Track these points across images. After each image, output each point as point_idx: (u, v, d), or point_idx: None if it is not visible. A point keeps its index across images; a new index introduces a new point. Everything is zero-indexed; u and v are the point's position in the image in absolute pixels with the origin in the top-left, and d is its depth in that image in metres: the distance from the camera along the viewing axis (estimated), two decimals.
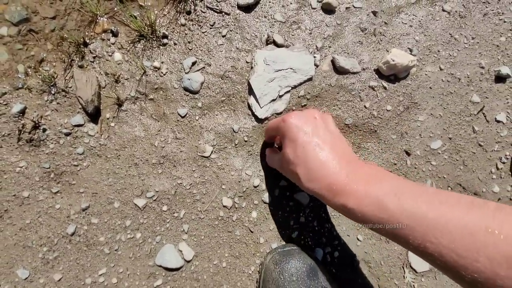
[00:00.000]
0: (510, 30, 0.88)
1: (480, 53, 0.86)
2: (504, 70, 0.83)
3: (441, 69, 0.84)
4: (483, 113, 0.82)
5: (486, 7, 0.89)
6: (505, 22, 0.88)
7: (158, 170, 0.74)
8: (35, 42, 0.82)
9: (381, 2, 0.88)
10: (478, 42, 0.87)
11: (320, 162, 0.39)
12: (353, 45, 0.85)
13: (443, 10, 0.89)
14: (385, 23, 0.87)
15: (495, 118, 0.82)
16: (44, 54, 0.81)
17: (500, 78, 0.84)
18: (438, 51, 0.86)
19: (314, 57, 0.83)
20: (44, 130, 0.74)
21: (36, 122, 0.74)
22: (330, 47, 0.84)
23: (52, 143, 0.74)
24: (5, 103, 0.76)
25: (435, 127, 0.81)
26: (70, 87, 0.77)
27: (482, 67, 0.85)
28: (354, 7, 0.87)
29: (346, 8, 0.87)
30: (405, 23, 0.87)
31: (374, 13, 0.87)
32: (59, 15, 0.84)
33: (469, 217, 0.26)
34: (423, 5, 0.89)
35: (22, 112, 0.75)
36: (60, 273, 0.69)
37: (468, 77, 0.84)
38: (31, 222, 0.71)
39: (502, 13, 0.89)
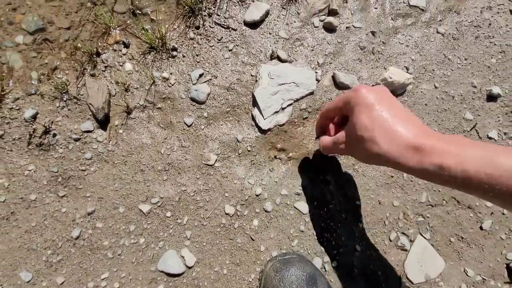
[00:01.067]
0: (500, 52, 0.93)
1: (472, 73, 0.91)
2: (495, 89, 0.87)
3: (436, 87, 0.89)
4: (476, 130, 0.86)
5: (478, 31, 0.95)
6: (495, 45, 0.94)
7: (163, 176, 0.76)
8: (49, 50, 0.86)
9: (379, 23, 0.93)
10: (470, 63, 0.92)
11: (403, 120, 0.38)
12: (352, 62, 0.89)
13: (438, 32, 0.94)
14: (383, 42, 0.92)
15: (487, 135, 0.86)
16: (57, 62, 0.84)
17: (491, 97, 0.89)
18: (433, 70, 0.90)
19: (316, 72, 0.87)
20: (54, 135, 0.77)
21: (47, 127, 0.77)
22: (331, 63, 0.89)
23: (61, 148, 0.76)
24: (17, 108, 0.78)
25: None
26: (82, 95, 0.80)
27: (475, 86, 0.89)
28: (354, 27, 0.92)
29: (347, 27, 0.92)
30: (402, 43, 0.92)
31: (373, 33, 0.92)
32: (74, 26, 0.88)
33: None
34: (419, 27, 0.94)
35: (34, 117, 0.77)
36: (63, 276, 0.69)
37: (461, 95, 0.89)
38: (36, 225, 0.72)
39: (493, 37, 0.94)
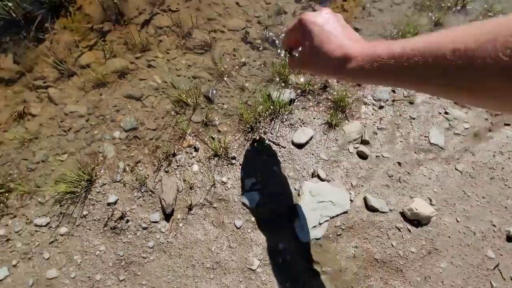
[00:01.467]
0: None
1: (491, 211, 1.02)
2: None
3: (457, 221, 0.99)
4: (499, 270, 0.92)
5: (492, 172, 1.10)
6: (509, 187, 1.07)
7: (210, 275, 0.86)
8: (136, 146, 1.08)
9: (404, 154, 1.11)
10: (488, 202, 1.04)
11: (336, 32, 0.46)
12: (381, 187, 1.04)
13: (456, 169, 1.09)
14: (408, 172, 1.08)
15: (511, 277, 0.92)
16: (141, 156, 1.05)
17: (511, 238, 0.97)
18: (454, 204, 1.02)
19: (350, 193, 1.02)
20: (127, 221, 0.92)
21: (123, 213, 0.92)
22: (362, 185, 1.04)
23: (130, 233, 0.90)
24: (103, 192, 0.96)
25: (455, 276, 0.91)
26: (156, 189, 0.97)
27: (494, 225, 0.99)
28: (383, 156, 1.10)
29: (377, 156, 1.10)
30: (425, 175, 1.07)
31: (399, 163, 1.09)
32: (159, 128, 1.12)
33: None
34: (439, 162, 1.11)
35: (115, 202, 0.94)
36: None
37: (482, 232, 0.98)
38: None
39: (507, 180, 1.08)
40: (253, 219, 0.94)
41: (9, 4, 1.26)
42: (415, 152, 1.12)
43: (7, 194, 0.94)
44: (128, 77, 1.22)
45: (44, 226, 0.90)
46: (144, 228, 0.90)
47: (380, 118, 1.17)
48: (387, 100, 1.21)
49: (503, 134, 1.16)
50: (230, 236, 0.92)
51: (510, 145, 1.14)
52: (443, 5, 1.48)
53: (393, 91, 1.24)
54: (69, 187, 0.92)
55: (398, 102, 1.22)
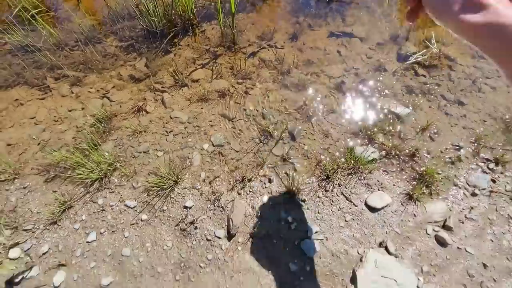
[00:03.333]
0: None
1: None
2: None
3: None
4: None
5: None
6: None
7: None
8: (218, 161, 1.19)
9: (493, 257, 0.97)
10: None
11: None
12: (456, 284, 0.92)
13: None
14: (494, 280, 0.93)
15: None
16: (220, 172, 1.15)
17: None
18: None
19: (418, 279, 0.93)
20: (196, 228, 1.00)
21: (194, 219, 1.02)
22: (434, 275, 0.94)
23: (195, 240, 0.98)
24: (183, 194, 1.08)
25: None
26: (228, 208, 1.05)
27: None
28: (466, 251, 0.98)
29: (458, 248, 0.98)
30: None
31: (485, 265, 0.96)
32: (241, 151, 1.22)
33: None
34: None
35: (190, 207, 1.04)
36: None
37: None
38: None
39: None
40: (308, 268, 0.94)
41: (155, 19, 1.57)
42: (508, 259, 0.97)
43: (112, 171, 1.14)
44: (226, 98, 1.37)
45: (131, 208, 1.05)
46: (208, 240, 0.98)
47: (471, 207, 1.06)
48: (484, 189, 1.09)
49: None
50: (281, 277, 0.92)
51: None
52: None
53: (493, 181, 1.11)
54: (159, 181, 1.07)
55: (496, 195, 1.08)
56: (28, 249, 0.97)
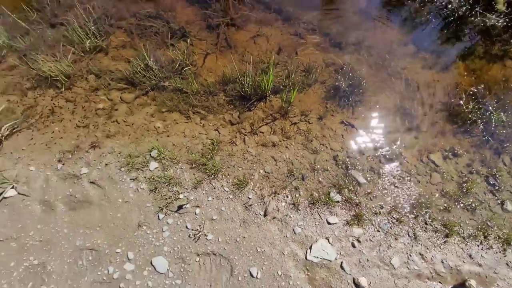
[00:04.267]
0: None
1: None
2: None
3: None
4: None
5: None
6: None
7: None
8: (266, 180, 2.50)
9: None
10: None
11: None
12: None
13: None
14: None
15: None
16: (266, 185, 2.46)
17: None
18: None
19: (337, 254, 2.22)
20: (251, 207, 2.33)
21: (251, 204, 2.34)
22: (349, 256, 2.22)
23: (250, 213, 2.31)
24: (247, 191, 2.40)
25: None
26: (266, 203, 2.37)
27: None
28: (363, 252, 2.24)
29: (360, 250, 2.25)
30: None
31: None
32: (277, 178, 2.52)
33: None
34: None
35: (250, 198, 2.37)
36: None
37: None
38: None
39: None
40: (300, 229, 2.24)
41: (247, 89, 2.86)
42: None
43: (218, 172, 2.48)
44: (275, 147, 2.66)
45: (226, 191, 2.38)
46: (255, 214, 2.30)
47: (374, 235, 2.32)
48: (385, 227, 2.35)
49: None
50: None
51: None
52: None
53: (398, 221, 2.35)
54: (239, 182, 2.40)
55: (401, 223, 2.34)
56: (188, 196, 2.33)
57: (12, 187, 2.18)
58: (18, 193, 2.18)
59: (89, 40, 2.95)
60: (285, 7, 3.76)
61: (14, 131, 2.47)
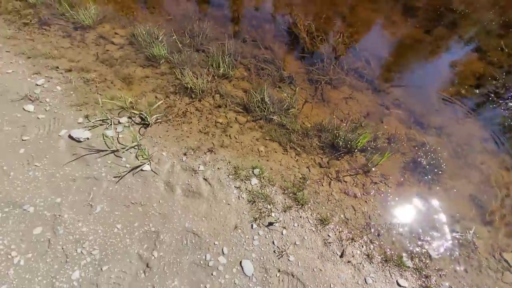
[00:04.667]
0: None
1: None
2: None
3: None
4: None
5: None
6: None
7: None
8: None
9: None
10: None
11: None
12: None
13: None
14: None
15: None
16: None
17: None
18: None
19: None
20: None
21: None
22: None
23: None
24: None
25: None
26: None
27: None
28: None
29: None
30: None
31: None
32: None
33: None
34: None
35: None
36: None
37: None
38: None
39: None
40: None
41: (339, 141, 3.29)
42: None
43: (305, 203, 2.81)
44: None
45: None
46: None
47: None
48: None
49: None
50: None
51: None
52: None
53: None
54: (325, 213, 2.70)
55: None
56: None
57: (149, 164, 2.72)
58: (151, 169, 2.71)
59: (222, 68, 3.71)
60: (375, 79, 4.34)
61: (156, 121, 3.13)
